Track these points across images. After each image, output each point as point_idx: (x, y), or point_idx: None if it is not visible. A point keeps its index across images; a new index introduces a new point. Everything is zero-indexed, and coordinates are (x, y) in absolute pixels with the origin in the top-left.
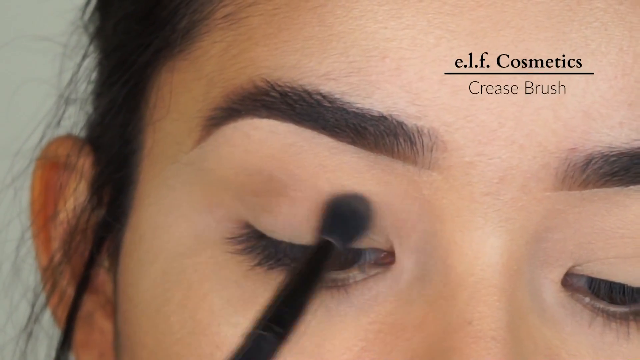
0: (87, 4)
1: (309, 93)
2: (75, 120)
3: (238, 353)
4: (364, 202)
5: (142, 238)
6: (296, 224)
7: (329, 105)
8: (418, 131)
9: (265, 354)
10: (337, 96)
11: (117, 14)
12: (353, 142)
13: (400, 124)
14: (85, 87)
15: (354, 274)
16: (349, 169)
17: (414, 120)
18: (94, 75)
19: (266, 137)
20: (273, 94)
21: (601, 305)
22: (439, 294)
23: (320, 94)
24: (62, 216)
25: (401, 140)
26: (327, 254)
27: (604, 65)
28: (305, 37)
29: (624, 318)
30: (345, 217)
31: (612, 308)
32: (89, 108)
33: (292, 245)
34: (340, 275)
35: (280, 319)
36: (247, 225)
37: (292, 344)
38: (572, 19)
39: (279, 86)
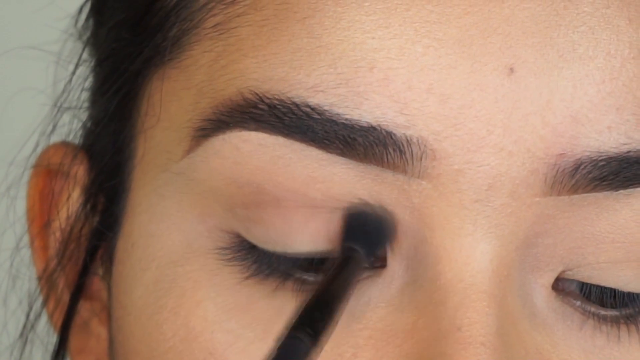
0: (80, 11)
1: (297, 105)
2: (70, 127)
3: (274, 354)
4: (385, 213)
5: (134, 246)
6: (290, 234)
7: (318, 117)
8: (407, 140)
9: (300, 357)
10: (325, 108)
11: (109, 22)
12: (342, 154)
13: (390, 134)
14: (79, 94)
15: None
16: (339, 179)
17: (403, 129)
18: (88, 83)
19: (255, 150)
20: (261, 106)
21: (592, 308)
22: (429, 300)
23: (309, 106)
24: (56, 224)
25: (390, 149)
26: (354, 262)
27: (592, 69)
28: (293, 49)
29: (614, 321)
30: (369, 228)
31: (603, 312)
32: (84, 115)
33: (284, 257)
34: None
35: (313, 324)
36: (238, 236)
37: None
38: (559, 24)
39: (268, 98)
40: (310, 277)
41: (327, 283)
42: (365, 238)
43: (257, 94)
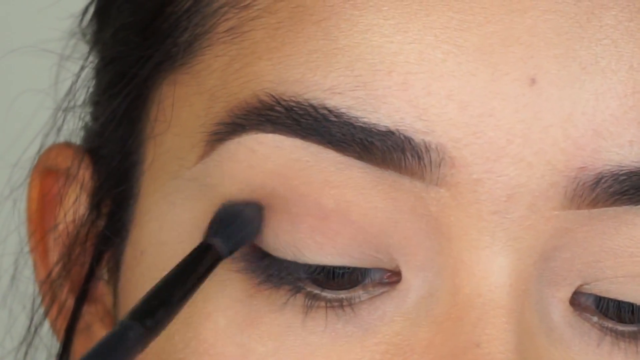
0: (85, 11)
1: (314, 107)
2: (74, 127)
3: (103, 341)
4: (254, 207)
5: (143, 254)
6: (298, 241)
7: (335, 119)
8: (426, 147)
9: (130, 344)
10: (343, 110)
11: (114, 23)
12: (360, 157)
13: (408, 139)
14: (84, 95)
15: (360, 293)
16: (355, 184)
17: (422, 135)
18: (92, 83)
19: (271, 152)
20: (278, 108)
21: (609, 324)
22: (447, 315)
23: (326, 108)
24: (61, 228)
25: (409, 155)
26: (206, 256)
27: (614, 83)
28: (309, 50)
29: (632, 337)
30: (229, 221)
31: (621, 327)
32: (88, 116)
33: (295, 264)
34: (346, 295)
35: (150, 313)
36: (250, 244)
37: None
38: (582, 36)
39: (284, 100)
40: (321, 292)
41: (173, 274)
42: (224, 233)
43: (273, 96)
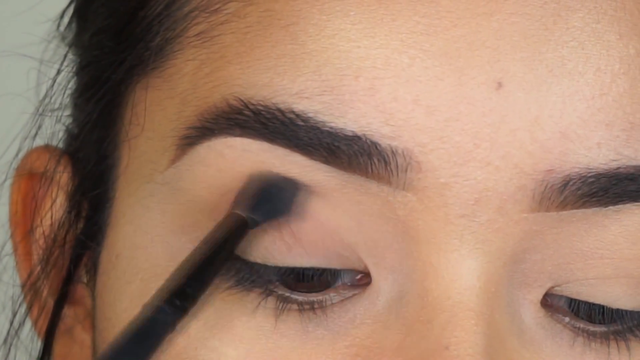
0: (63, 15)
1: (282, 111)
2: (53, 131)
3: (135, 323)
4: (291, 184)
5: (118, 257)
6: (268, 243)
7: (302, 124)
8: (392, 151)
9: (162, 327)
10: (310, 115)
11: (91, 28)
12: (326, 161)
13: (374, 144)
14: (62, 98)
15: (331, 296)
16: (321, 187)
17: (388, 140)
18: (71, 85)
19: (239, 156)
20: (246, 112)
21: (581, 324)
22: (416, 317)
23: (294, 112)
24: (40, 231)
25: (375, 160)
26: (241, 231)
27: (581, 85)
28: (277, 55)
29: (604, 337)
30: (271, 197)
31: (592, 327)
32: (67, 119)
33: (265, 266)
34: (317, 297)
35: (182, 293)
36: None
37: None
38: (549, 39)
39: (252, 104)
40: (292, 295)
41: (204, 252)
42: (265, 209)
43: (241, 100)
